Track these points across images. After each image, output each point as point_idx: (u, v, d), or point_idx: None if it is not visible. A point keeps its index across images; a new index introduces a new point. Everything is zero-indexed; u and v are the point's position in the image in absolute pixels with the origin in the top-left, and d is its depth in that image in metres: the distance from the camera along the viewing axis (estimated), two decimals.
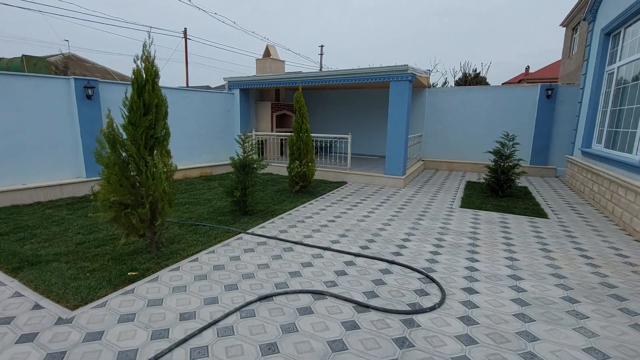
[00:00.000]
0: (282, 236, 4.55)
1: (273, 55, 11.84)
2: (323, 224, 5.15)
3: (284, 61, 12.29)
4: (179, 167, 8.74)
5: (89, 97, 6.61)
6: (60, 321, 2.57)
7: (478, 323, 2.64)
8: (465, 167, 10.78)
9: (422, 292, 3.10)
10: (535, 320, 2.70)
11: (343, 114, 12.95)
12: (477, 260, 3.84)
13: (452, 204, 6.46)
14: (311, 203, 6.40)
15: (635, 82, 5.77)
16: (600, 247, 4.35)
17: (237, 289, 3.11)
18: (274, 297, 2.97)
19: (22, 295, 2.93)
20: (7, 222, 4.86)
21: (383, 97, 11.63)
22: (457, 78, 18.27)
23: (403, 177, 8.03)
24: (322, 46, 30.10)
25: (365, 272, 3.50)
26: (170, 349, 2.27)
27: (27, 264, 3.50)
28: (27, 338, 2.38)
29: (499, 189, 6.96)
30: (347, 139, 8.47)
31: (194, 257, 3.81)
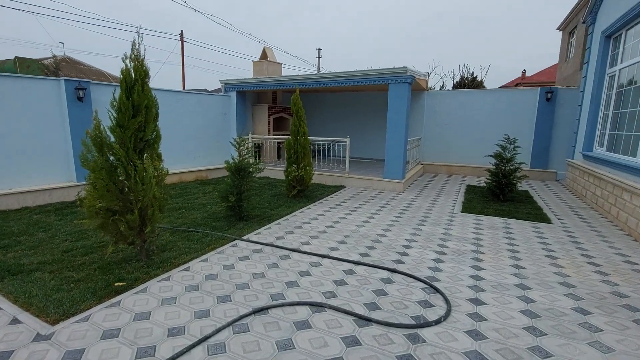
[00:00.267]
0: (279, 243, 4.38)
1: (270, 57, 11.72)
2: (321, 229, 4.98)
3: (281, 64, 12.16)
4: (174, 171, 8.74)
5: (80, 98, 6.43)
6: (38, 337, 2.38)
7: (487, 338, 2.48)
8: (464, 170, 10.67)
9: (426, 304, 2.94)
10: (547, 334, 2.54)
11: (341, 116, 12.82)
12: (482, 269, 3.68)
13: (453, 209, 6.32)
14: (309, 208, 6.23)
15: (638, 85, 5.68)
16: (607, 253, 4.21)
17: (231, 300, 2.93)
18: (269, 310, 2.79)
19: (0, 309, 2.73)
20: None
21: (382, 100, 11.52)
22: (455, 81, 18.21)
23: (402, 180, 7.89)
24: (319, 50, 30.03)
25: (366, 282, 3.34)
26: None
27: (8, 273, 3.30)
28: (1, 357, 2.19)
29: (500, 193, 6.82)
30: (345, 142, 8.33)
31: (186, 265, 3.63)
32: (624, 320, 2.74)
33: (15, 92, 5.83)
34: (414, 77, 7.85)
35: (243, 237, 4.52)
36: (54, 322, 2.55)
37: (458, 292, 3.14)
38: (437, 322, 2.65)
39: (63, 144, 6.47)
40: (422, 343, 2.41)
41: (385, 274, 3.53)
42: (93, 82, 6.86)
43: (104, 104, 6.63)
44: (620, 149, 6.08)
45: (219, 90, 10.74)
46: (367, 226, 5.18)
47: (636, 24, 5.95)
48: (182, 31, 20.98)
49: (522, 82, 26.44)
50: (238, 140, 5.43)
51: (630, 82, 6.00)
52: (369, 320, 2.66)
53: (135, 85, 3.27)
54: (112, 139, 3.29)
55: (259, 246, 4.25)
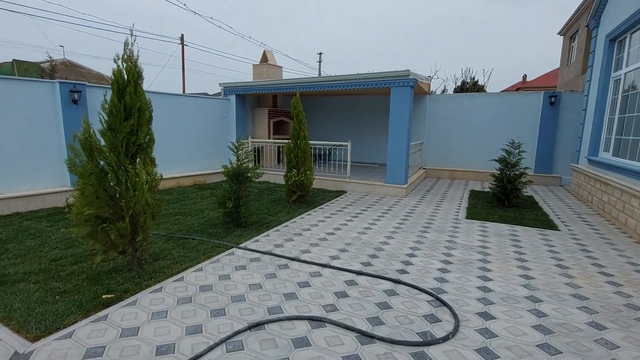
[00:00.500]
0: (278, 251, 4.21)
1: (270, 60, 11.61)
2: (322, 237, 4.81)
3: (281, 67, 12.05)
4: (171, 175, 8.59)
5: (75, 101, 6.29)
6: (15, 357, 2.21)
7: (499, 357, 2.31)
8: (467, 175, 10.51)
9: (433, 318, 2.77)
10: (562, 352, 2.37)
11: (342, 121, 12.70)
12: (490, 279, 3.51)
13: (457, 215, 6.15)
14: (309, 214, 6.07)
15: None
16: (618, 262, 4.04)
17: (225, 314, 2.76)
18: (265, 325, 2.62)
19: None
20: None
21: (383, 104, 11.39)
22: (457, 85, 18.10)
23: (405, 186, 7.73)
24: (320, 53, 29.95)
25: (369, 294, 3.17)
26: None
27: None
28: None
29: (505, 199, 6.66)
30: (346, 146, 8.19)
31: (180, 275, 3.46)
32: (639, 335, 2.57)
33: (7, 94, 5.68)
34: (417, 80, 7.73)
35: (240, 245, 4.35)
36: (35, 339, 2.38)
37: (466, 305, 2.97)
38: (445, 339, 2.48)
39: (57, 147, 6.32)
40: None
41: (388, 284, 3.36)
42: (89, 84, 6.73)
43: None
44: (627, 154, 5.93)
45: (219, 94, 10.61)
46: (369, 233, 5.01)
47: None
48: (182, 35, 20.94)
49: (523, 86, 26.38)
50: (236, 144, 5.29)
51: (638, 86, 5.86)
52: (372, 337, 2.49)
53: (127, 87, 3.13)
54: (103, 143, 3.14)
55: (257, 254, 4.09)
